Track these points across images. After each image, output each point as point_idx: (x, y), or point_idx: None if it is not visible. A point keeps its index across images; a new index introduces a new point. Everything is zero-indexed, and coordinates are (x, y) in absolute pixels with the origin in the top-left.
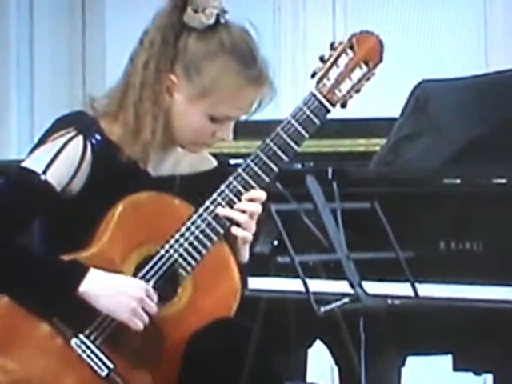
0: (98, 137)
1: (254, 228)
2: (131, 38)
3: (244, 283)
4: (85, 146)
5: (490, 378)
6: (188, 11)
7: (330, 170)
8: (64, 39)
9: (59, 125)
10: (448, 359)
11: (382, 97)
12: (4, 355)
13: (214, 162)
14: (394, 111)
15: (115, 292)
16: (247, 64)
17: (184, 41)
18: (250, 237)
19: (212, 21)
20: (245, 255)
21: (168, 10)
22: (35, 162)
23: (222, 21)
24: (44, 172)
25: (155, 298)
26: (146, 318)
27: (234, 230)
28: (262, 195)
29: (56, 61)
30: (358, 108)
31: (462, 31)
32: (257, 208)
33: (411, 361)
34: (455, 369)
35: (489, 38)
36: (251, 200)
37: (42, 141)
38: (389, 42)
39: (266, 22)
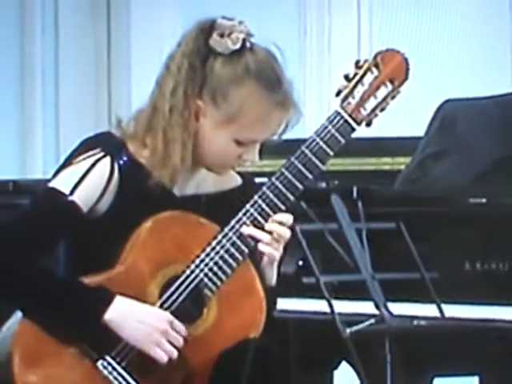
0: (125, 158)
1: (280, 250)
2: (156, 53)
3: (272, 306)
4: (112, 167)
5: None
6: (214, 36)
7: (355, 189)
8: (90, 57)
9: (86, 145)
10: (475, 380)
11: (407, 116)
12: (34, 375)
13: (239, 180)
14: (419, 130)
15: (139, 322)
16: (273, 88)
17: (210, 65)
18: (276, 256)
19: (238, 46)
20: (271, 277)
21: (194, 35)
22: (62, 183)
23: (248, 45)
24: (71, 193)
25: (181, 328)
26: (174, 352)
27: (261, 245)
28: (288, 219)
29: (81, 79)
30: (383, 127)
31: (487, 49)
32: (284, 231)
33: (438, 382)
34: None
35: None
36: (279, 223)
37: (68, 161)
38: (413, 61)
39: (291, 40)
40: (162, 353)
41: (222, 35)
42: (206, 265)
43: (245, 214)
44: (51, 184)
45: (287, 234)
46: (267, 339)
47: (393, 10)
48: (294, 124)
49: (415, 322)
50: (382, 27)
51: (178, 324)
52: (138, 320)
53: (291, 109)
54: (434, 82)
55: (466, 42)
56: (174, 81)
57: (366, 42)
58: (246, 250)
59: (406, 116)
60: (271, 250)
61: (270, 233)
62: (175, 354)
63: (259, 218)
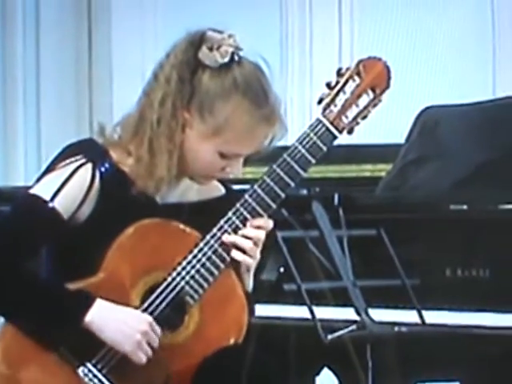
0: (107, 165)
1: (258, 255)
2: (137, 62)
3: (250, 311)
4: (93, 174)
5: None
6: (203, 49)
7: (336, 196)
8: (71, 65)
9: (68, 152)
10: None
11: (387, 123)
12: (16, 381)
13: (223, 189)
14: (399, 137)
15: (120, 324)
16: (260, 103)
17: (199, 78)
18: (253, 263)
19: (226, 59)
20: (249, 283)
21: (183, 47)
22: (43, 189)
23: (236, 58)
24: (52, 199)
25: (159, 331)
26: (150, 352)
27: (235, 254)
28: (268, 224)
29: (63, 88)
30: (364, 134)
31: (469, 55)
32: (261, 235)
33: None
34: None
35: (496, 64)
36: (257, 227)
37: (50, 168)
38: (393, 67)
39: (273, 47)
40: (142, 354)
41: (211, 48)
42: (188, 272)
43: (226, 222)
44: (32, 190)
45: (263, 236)
46: (257, 347)
47: (374, 16)
48: (278, 139)
49: (396, 329)
50: (363, 33)
51: (156, 326)
52: (119, 321)
53: (277, 124)
54: (415, 88)
55: (448, 48)
56: (162, 92)
57: (347, 47)
58: (228, 258)
59: (387, 123)
60: (245, 258)
61: (250, 238)
62: (150, 353)
63: (240, 226)
